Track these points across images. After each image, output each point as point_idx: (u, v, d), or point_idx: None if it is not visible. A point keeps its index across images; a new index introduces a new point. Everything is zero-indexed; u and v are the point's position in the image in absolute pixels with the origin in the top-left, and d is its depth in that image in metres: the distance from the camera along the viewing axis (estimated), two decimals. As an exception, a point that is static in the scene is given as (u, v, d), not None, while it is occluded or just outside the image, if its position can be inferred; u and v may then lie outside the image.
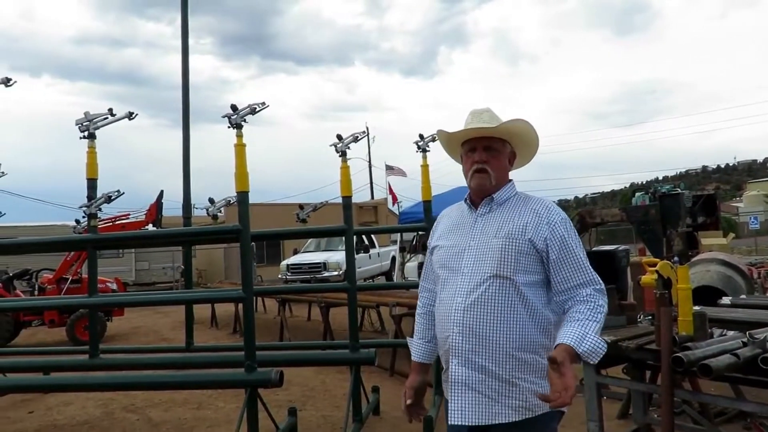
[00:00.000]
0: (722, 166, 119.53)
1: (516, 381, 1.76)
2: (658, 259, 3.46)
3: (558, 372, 1.57)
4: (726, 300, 4.07)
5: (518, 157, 2.05)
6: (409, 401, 2.01)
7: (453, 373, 1.82)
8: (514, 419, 1.75)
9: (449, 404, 1.82)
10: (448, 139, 2.07)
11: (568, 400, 1.56)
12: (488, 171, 1.93)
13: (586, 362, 1.71)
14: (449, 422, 1.81)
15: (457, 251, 1.91)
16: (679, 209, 9.14)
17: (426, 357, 2.09)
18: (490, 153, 1.94)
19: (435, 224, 2.14)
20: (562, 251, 1.81)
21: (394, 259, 16.34)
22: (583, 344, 1.67)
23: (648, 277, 3.30)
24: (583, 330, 1.70)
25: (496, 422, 1.75)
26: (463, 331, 1.80)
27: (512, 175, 2.05)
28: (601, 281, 1.84)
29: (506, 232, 1.85)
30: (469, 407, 1.77)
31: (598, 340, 1.69)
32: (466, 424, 1.77)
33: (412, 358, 2.11)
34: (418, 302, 2.17)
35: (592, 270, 1.83)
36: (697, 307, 3.15)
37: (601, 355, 1.68)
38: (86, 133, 4.52)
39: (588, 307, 1.77)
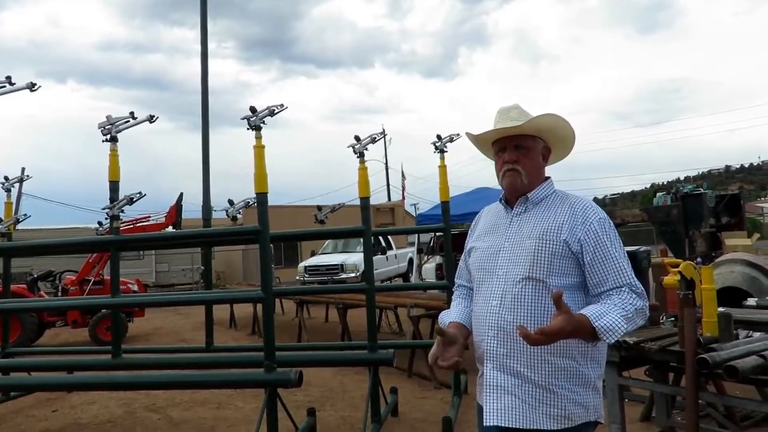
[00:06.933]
0: (746, 165, 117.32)
1: (553, 388, 1.70)
2: (680, 260, 3.40)
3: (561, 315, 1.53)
4: (751, 301, 4.00)
5: (554, 152, 1.98)
6: (435, 346, 1.78)
7: (488, 377, 1.77)
8: (552, 427, 1.69)
9: (484, 406, 1.76)
10: (476, 141, 2.03)
11: (535, 338, 1.52)
12: (519, 170, 1.87)
13: (603, 340, 1.60)
14: (485, 423, 1.74)
15: (492, 252, 1.87)
16: (701, 209, 9.01)
17: (462, 320, 1.94)
18: (520, 151, 1.88)
19: (473, 224, 2.09)
20: (597, 253, 1.74)
21: (411, 260, 16.33)
22: (602, 319, 1.59)
23: (671, 278, 3.25)
24: (606, 309, 1.64)
25: (534, 428, 1.69)
26: (498, 335, 1.76)
27: None
28: (640, 285, 1.73)
29: (540, 232, 1.79)
30: (504, 409, 1.72)
31: (620, 320, 1.60)
32: (504, 425, 1.71)
33: (451, 321, 1.95)
34: (453, 297, 2.11)
35: (630, 273, 1.73)
36: (721, 309, 3.10)
37: (618, 336, 1.60)
38: (108, 137, 4.59)
39: (620, 297, 1.68)
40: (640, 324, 1.72)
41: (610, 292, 1.71)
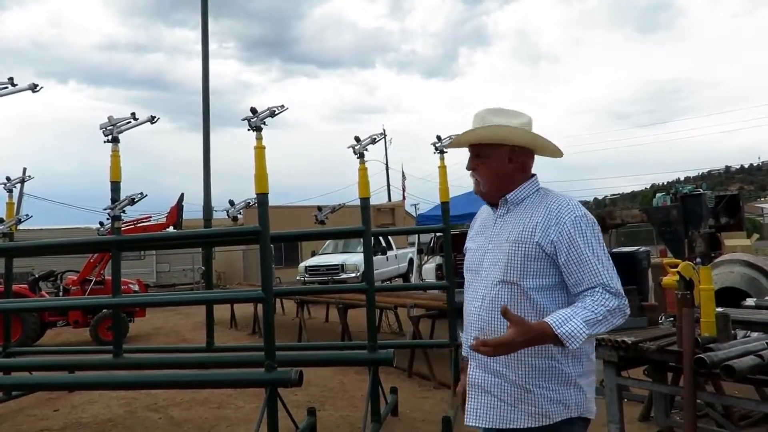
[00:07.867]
0: (746, 166, 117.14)
1: (530, 387, 1.72)
2: (679, 261, 3.42)
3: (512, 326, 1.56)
4: (750, 301, 4.01)
5: (535, 152, 1.93)
6: (461, 401, 1.91)
7: (471, 376, 1.82)
8: (529, 425, 1.72)
9: (466, 405, 1.82)
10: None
11: (483, 350, 1.56)
12: (477, 178, 1.91)
13: (566, 345, 1.59)
14: (464, 422, 1.81)
15: (479, 254, 1.90)
16: (701, 210, 9.01)
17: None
18: (479, 159, 1.89)
19: (472, 223, 2.12)
20: (571, 254, 1.71)
21: (411, 261, 16.34)
22: (563, 326, 1.58)
23: (669, 279, 3.27)
24: (570, 314, 1.62)
25: (511, 427, 1.73)
26: (479, 336, 1.77)
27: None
28: (617, 284, 1.70)
29: (516, 235, 1.79)
30: (483, 409, 1.77)
31: (581, 326, 1.59)
32: (480, 426, 1.77)
33: (462, 353, 2.04)
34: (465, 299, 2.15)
35: (607, 272, 1.70)
36: (720, 309, 3.11)
37: (581, 341, 1.58)
38: (110, 137, 4.61)
39: (592, 299, 1.66)
40: (617, 323, 1.69)
41: (585, 293, 1.70)
